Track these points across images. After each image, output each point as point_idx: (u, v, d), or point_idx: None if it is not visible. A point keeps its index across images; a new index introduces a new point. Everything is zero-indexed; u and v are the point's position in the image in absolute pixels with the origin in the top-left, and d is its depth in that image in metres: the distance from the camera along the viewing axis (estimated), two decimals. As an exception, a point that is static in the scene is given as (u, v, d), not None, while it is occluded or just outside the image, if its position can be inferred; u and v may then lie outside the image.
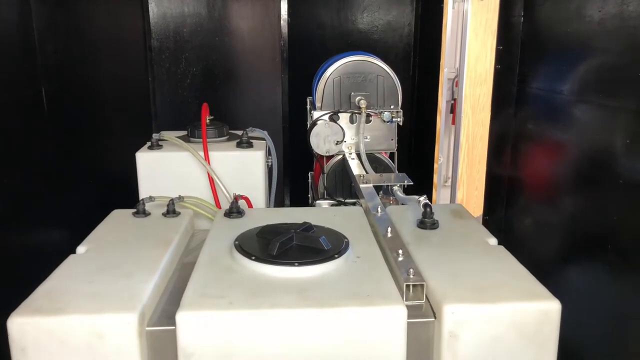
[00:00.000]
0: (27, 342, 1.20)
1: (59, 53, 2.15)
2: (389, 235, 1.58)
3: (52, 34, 2.10)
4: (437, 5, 3.16)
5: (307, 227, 1.53)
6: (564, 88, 1.90)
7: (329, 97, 2.49)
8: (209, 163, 2.23)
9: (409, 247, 1.52)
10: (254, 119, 3.21)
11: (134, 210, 1.80)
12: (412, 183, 2.08)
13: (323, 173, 2.51)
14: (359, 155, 2.43)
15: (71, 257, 1.50)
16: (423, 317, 1.28)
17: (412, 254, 1.48)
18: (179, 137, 2.37)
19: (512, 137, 2.30)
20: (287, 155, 3.54)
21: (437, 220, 1.68)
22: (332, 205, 2.38)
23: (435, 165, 3.18)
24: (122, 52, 3.04)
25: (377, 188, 2.06)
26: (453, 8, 2.77)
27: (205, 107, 2.43)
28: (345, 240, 1.52)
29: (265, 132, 2.57)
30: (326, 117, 2.44)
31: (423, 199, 1.72)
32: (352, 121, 2.47)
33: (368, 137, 2.48)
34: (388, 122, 2.47)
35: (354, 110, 2.45)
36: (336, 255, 1.42)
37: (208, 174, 2.23)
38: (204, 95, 3.46)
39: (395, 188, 2.07)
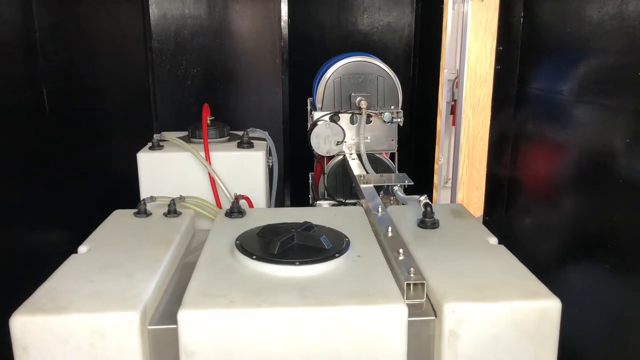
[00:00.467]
0: (29, 341, 1.21)
1: (60, 54, 2.16)
2: (390, 234, 1.59)
3: (54, 36, 2.10)
4: (437, 7, 3.17)
5: (307, 227, 1.54)
6: (564, 88, 1.91)
7: (329, 98, 2.50)
8: (210, 163, 2.23)
9: (410, 247, 1.52)
10: (254, 120, 3.22)
11: (135, 210, 1.81)
12: (412, 183, 2.08)
13: (324, 173, 2.52)
14: (359, 156, 2.43)
15: (73, 256, 1.51)
16: (424, 315, 1.28)
17: (412, 253, 1.48)
18: (180, 138, 2.38)
19: (512, 137, 2.30)
20: (287, 156, 3.55)
21: (437, 220, 1.68)
22: (333, 205, 2.38)
23: (436, 166, 3.18)
24: (122, 53, 3.06)
25: (378, 188, 2.06)
26: (453, 9, 2.78)
27: (206, 108, 2.43)
28: (346, 239, 1.52)
29: (266, 133, 2.58)
30: (327, 118, 2.44)
31: (424, 198, 1.72)
32: (352, 122, 2.47)
33: (368, 137, 2.48)
34: (388, 122, 2.47)
35: (355, 111, 2.46)
36: (337, 255, 1.42)
37: (209, 174, 2.23)
38: (204, 96, 3.47)
39: (395, 188, 2.07)
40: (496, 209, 2.47)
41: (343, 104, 2.50)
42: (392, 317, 1.23)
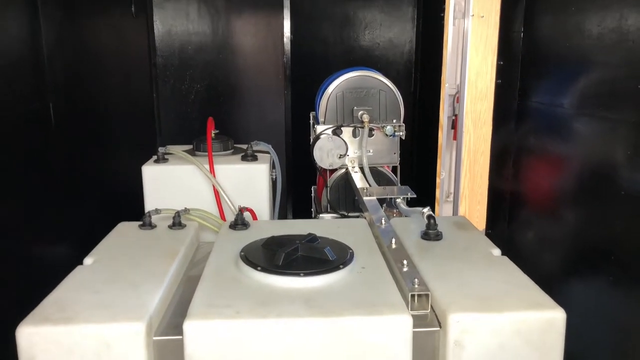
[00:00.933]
0: (35, 352, 1.21)
1: (66, 69, 2.19)
2: (394, 246, 1.60)
3: (61, 51, 2.14)
4: (438, 23, 3.21)
5: (312, 238, 1.55)
6: (564, 102, 1.93)
7: (332, 112, 2.52)
8: (214, 176, 2.25)
9: (414, 258, 1.53)
10: (256, 135, 3.24)
11: (140, 222, 1.82)
12: (415, 196, 2.09)
13: (326, 186, 2.53)
14: (362, 169, 2.45)
15: (78, 268, 1.52)
16: (428, 326, 1.29)
17: (416, 264, 1.49)
18: (185, 151, 2.40)
19: (513, 151, 2.32)
20: (290, 169, 3.57)
21: (440, 232, 1.69)
22: (336, 218, 2.39)
23: (437, 180, 3.19)
24: (127, 68, 3.09)
25: (380, 201, 2.07)
26: (453, 25, 2.81)
27: (210, 121, 2.46)
28: (350, 251, 1.53)
29: (270, 146, 2.60)
30: (329, 131, 2.46)
31: (427, 210, 1.73)
32: (355, 135, 2.49)
33: (371, 150, 2.50)
34: (391, 136, 2.49)
35: (357, 125, 2.48)
36: (341, 266, 1.43)
37: (213, 186, 2.25)
38: (207, 111, 3.49)
39: (398, 201, 2.09)
40: (499, 222, 2.48)
41: (345, 118, 2.52)
42: (397, 327, 1.23)
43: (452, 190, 3.05)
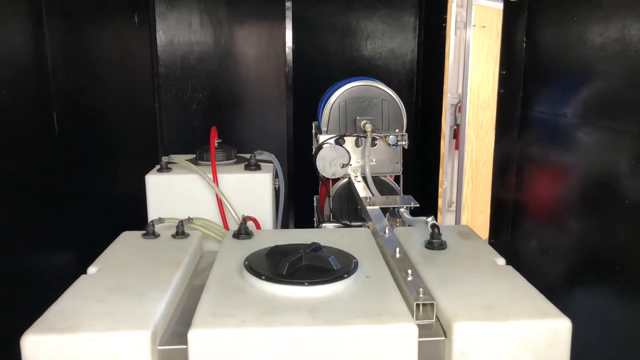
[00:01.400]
0: (39, 361, 1.21)
1: (70, 79, 2.20)
2: (398, 255, 1.59)
3: (65, 61, 2.15)
4: (440, 33, 3.23)
5: (316, 247, 1.54)
6: (567, 111, 1.93)
7: (334, 122, 2.53)
8: (217, 185, 2.25)
9: (418, 267, 1.53)
10: (259, 144, 3.24)
11: (144, 232, 1.81)
12: (418, 205, 2.09)
13: (329, 196, 2.53)
14: (364, 178, 2.45)
15: (82, 277, 1.51)
16: (433, 336, 1.28)
17: (421, 273, 1.48)
18: (188, 160, 2.40)
19: (516, 160, 2.32)
20: (292, 179, 3.57)
21: (444, 241, 1.69)
22: (338, 228, 2.39)
23: (440, 190, 3.20)
24: (130, 78, 3.11)
25: (384, 211, 2.07)
26: (455, 35, 2.83)
27: (214, 131, 2.46)
28: (354, 260, 1.53)
29: (273, 155, 2.60)
30: (332, 141, 2.47)
31: (431, 219, 1.73)
32: (357, 145, 2.50)
33: (373, 160, 2.50)
34: (393, 145, 2.50)
35: (360, 134, 2.49)
36: (345, 275, 1.42)
37: (217, 196, 2.25)
38: (209, 120, 3.51)
39: (401, 210, 2.08)
40: (502, 231, 2.48)
41: (348, 127, 2.53)
42: (403, 336, 1.22)
43: (454, 199, 3.05)
